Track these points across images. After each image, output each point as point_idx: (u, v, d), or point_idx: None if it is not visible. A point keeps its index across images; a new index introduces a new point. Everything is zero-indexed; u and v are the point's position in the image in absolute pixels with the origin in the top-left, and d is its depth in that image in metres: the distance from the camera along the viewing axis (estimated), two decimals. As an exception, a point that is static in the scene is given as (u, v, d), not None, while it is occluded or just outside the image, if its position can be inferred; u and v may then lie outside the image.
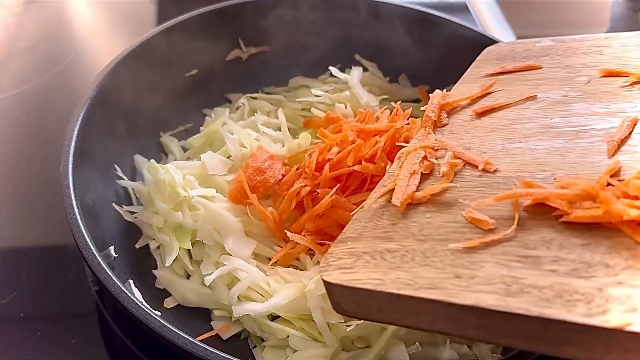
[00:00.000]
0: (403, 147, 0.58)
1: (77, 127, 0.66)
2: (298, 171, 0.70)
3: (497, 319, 0.38)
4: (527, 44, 0.70)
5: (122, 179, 0.72)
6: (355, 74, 0.86)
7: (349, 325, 0.60)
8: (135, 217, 0.70)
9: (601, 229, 0.42)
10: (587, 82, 0.59)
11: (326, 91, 0.86)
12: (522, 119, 0.57)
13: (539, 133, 0.54)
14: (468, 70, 0.70)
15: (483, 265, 0.41)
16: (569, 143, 0.51)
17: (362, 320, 0.60)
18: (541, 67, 0.64)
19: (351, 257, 0.46)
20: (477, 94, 0.62)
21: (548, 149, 0.51)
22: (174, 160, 0.77)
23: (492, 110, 0.60)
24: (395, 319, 0.44)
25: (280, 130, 0.79)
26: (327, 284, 0.45)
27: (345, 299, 0.45)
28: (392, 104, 0.76)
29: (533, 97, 0.59)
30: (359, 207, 0.53)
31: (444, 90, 0.65)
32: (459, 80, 0.68)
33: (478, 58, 0.72)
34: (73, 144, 0.64)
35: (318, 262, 0.65)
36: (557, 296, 0.38)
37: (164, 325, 0.51)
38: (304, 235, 0.65)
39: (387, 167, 0.63)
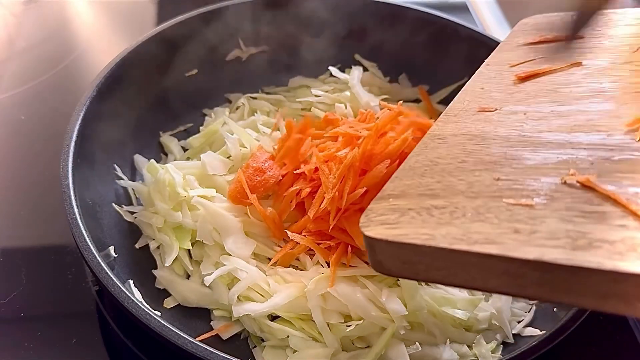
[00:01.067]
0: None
1: (77, 127, 0.66)
2: (297, 172, 0.70)
3: (562, 274, 0.37)
4: (565, 17, 0.69)
5: (122, 179, 0.72)
6: (355, 74, 0.86)
7: (349, 326, 0.60)
8: (135, 217, 0.70)
9: None
10: (635, 50, 0.58)
11: (326, 91, 0.86)
12: (570, 84, 0.56)
13: (590, 96, 0.53)
14: (503, 40, 0.69)
15: (544, 221, 0.40)
16: (623, 107, 0.50)
17: (362, 321, 0.60)
18: (583, 37, 0.62)
19: (394, 213, 0.44)
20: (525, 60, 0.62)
21: (601, 111, 0.50)
22: (174, 160, 0.77)
23: (536, 75, 0.59)
24: (443, 278, 0.42)
25: (279, 131, 0.79)
26: (369, 240, 0.43)
27: (388, 256, 0.43)
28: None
29: (579, 64, 0.58)
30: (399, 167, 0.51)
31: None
32: (495, 49, 0.67)
33: (513, 29, 0.71)
34: (73, 144, 0.64)
35: (318, 262, 0.65)
36: (631, 250, 0.36)
37: (164, 325, 0.51)
38: (304, 236, 0.65)
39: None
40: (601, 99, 0.52)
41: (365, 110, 0.76)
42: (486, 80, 0.61)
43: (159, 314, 0.53)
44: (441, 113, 0.85)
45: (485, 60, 0.64)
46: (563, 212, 0.40)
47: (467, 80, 0.86)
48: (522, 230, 0.39)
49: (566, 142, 0.48)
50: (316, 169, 0.67)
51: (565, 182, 0.43)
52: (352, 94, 0.83)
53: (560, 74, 0.58)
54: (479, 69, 0.64)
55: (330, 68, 0.88)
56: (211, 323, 0.64)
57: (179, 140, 0.81)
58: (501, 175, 0.45)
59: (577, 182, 0.43)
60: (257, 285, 0.63)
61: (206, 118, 0.85)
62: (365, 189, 0.63)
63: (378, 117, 0.74)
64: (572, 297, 0.38)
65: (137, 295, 0.61)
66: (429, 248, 0.41)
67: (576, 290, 0.37)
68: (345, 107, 0.81)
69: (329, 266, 0.63)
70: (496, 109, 0.54)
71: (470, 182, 0.45)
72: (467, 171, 0.47)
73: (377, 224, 0.44)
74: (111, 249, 0.63)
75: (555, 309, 0.63)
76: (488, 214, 0.42)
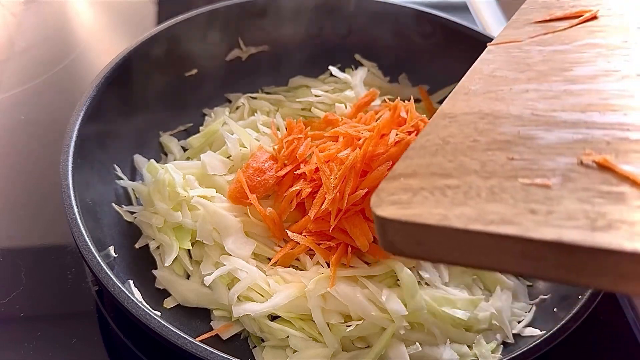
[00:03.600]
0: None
1: (77, 127, 0.66)
2: (298, 172, 0.70)
3: (581, 255, 0.36)
4: None
5: (122, 179, 0.72)
6: (359, 74, 0.87)
7: (349, 326, 0.60)
8: (135, 217, 0.70)
9: None
10: None
11: (326, 91, 0.86)
12: (582, 62, 0.55)
13: (603, 75, 0.52)
14: (513, 17, 0.68)
15: (561, 202, 0.39)
16: (637, 86, 0.50)
17: (362, 321, 0.60)
18: (596, 17, 0.61)
19: (406, 192, 0.43)
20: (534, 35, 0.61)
21: (615, 90, 0.50)
22: (174, 160, 0.77)
23: (551, 21, 0.59)
24: (458, 258, 0.41)
25: (279, 131, 0.79)
26: (381, 220, 0.42)
27: (400, 237, 0.42)
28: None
29: (590, 44, 0.58)
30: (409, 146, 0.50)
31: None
32: (504, 27, 0.66)
33: (522, 6, 0.70)
34: (73, 144, 0.64)
35: (318, 263, 0.65)
36: None
37: (164, 325, 0.51)
38: (305, 236, 0.65)
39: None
40: (615, 78, 0.51)
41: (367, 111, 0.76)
42: (496, 59, 0.60)
43: (158, 314, 0.53)
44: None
45: (494, 39, 0.63)
46: (580, 192, 0.39)
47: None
48: (539, 211, 0.39)
49: (581, 121, 0.47)
50: (316, 169, 0.67)
51: (581, 163, 0.42)
52: (352, 94, 0.83)
53: (571, 52, 0.57)
54: (488, 48, 0.63)
55: (330, 68, 0.88)
56: (211, 323, 0.64)
57: (179, 140, 0.81)
58: (515, 154, 0.44)
59: (594, 162, 0.42)
60: (257, 285, 0.63)
61: (206, 118, 0.85)
62: (366, 190, 0.63)
63: (379, 118, 0.74)
64: (590, 279, 0.37)
65: (137, 295, 0.61)
66: (443, 228, 0.40)
67: (595, 272, 0.36)
68: (345, 107, 0.81)
69: (329, 266, 0.63)
70: (508, 88, 0.53)
71: (483, 162, 0.45)
72: (479, 150, 0.46)
73: (389, 203, 0.43)
74: (111, 249, 0.63)
75: (555, 309, 0.63)
76: (503, 194, 0.41)
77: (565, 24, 0.62)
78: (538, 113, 0.49)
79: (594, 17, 0.62)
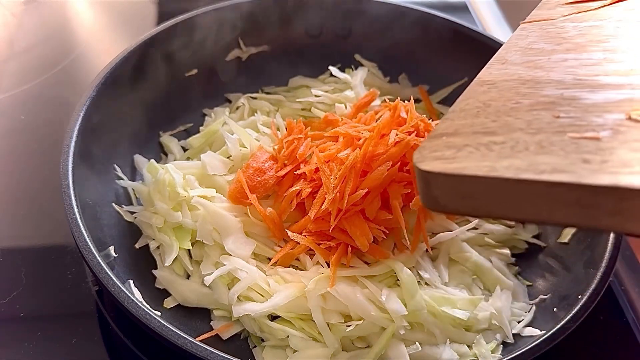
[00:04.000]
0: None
1: (77, 127, 0.66)
2: (298, 172, 0.70)
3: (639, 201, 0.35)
4: None
5: (122, 179, 0.72)
6: (359, 75, 0.87)
7: (349, 326, 0.60)
8: (135, 217, 0.70)
9: None
10: None
11: (326, 91, 0.86)
12: (619, 35, 0.56)
13: None
14: (542, 2, 0.68)
15: (614, 152, 0.39)
16: None
17: (362, 321, 0.60)
18: None
19: (450, 149, 0.43)
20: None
21: None
22: (174, 160, 0.77)
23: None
24: (506, 212, 0.40)
25: (279, 131, 0.79)
26: (424, 175, 0.41)
27: (446, 191, 0.41)
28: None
29: (626, 18, 0.58)
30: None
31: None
32: (536, 8, 0.66)
33: None
34: (73, 144, 0.64)
35: (318, 262, 0.65)
36: None
37: (164, 325, 0.51)
38: (305, 236, 0.65)
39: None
40: None
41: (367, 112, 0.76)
42: (530, 34, 0.60)
43: (159, 313, 0.53)
44: (441, 113, 0.87)
45: (527, 18, 0.63)
46: (632, 143, 0.39)
47: (467, 81, 0.87)
48: (592, 160, 0.38)
49: (625, 83, 0.47)
50: (317, 169, 0.67)
51: (630, 117, 0.42)
52: (355, 95, 0.83)
53: (608, 27, 0.57)
54: (521, 25, 0.63)
55: (330, 68, 0.88)
56: (211, 323, 0.64)
57: (179, 140, 0.81)
58: (561, 113, 0.44)
59: None
60: (257, 285, 0.63)
61: (206, 118, 0.85)
62: (366, 190, 0.63)
63: (379, 118, 0.74)
64: None
65: (137, 295, 0.61)
66: (493, 179, 0.39)
67: None
68: (345, 107, 0.81)
69: (329, 266, 0.63)
70: (546, 58, 0.53)
71: (528, 121, 0.44)
72: (523, 111, 0.46)
73: (433, 159, 0.42)
74: (111, 249, 0.63)
75: (555, 309, 0.63)
76: (552, 147, 0.40)
77: (598, 4, 0.62)
78: (580, 77, 0.49)
79: None
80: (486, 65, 0.56)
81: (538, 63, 0.53)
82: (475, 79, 0.54)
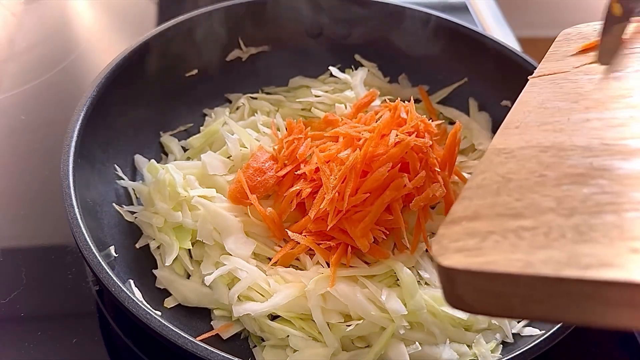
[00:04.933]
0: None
1: (77, 127, 0.66)
2: (298, 173, 0.70)
3: None
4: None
5: (123, 179, 0.72)
6: (359, 75, 0.87)
7: (349, 325, 0.60)
8: (136, 217, 0.70)
9: None
10: None
11: (326, 91, 0.86)
12: None
13: None
14: (550, 51, 0.64)
15: None
16: None
17: (362, 320, 0.60)
18: None
19: (473, 237, 0.38)
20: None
21: None
22: (174, 160, 0.77)
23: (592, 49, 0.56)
24: (547, 313, 0.35)
25: (279, 131, 0.79)
26: (446, 271, 0.36)
27: (472, 290, 0.36)
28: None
29: None
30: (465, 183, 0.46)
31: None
32: (542, 61, 0.63)
33: (557, 39, 0.66)
34: (73, 144, 0.64)
35: (318, 262, 0.65)
36: None
37: (165, 325, 0.51)
38: (305, 236, 0.65)
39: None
40: None
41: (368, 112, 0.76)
42: (542, 90, 0.55)
43: (159, 313, 0.53)
44: (441, 113, 0.87)
45: (534, 71, 0.59)
46: None
47: (467, 81, 0.87)
48: None
49: None
50: (317, 170, 0.67)
51: None
52: (355, 95, 0.83)
53: (628, 79, 0.53)
54: (530, 80, 0.59)
55: (330, 68, 0.88)
56: (211, 323, 0.64)
57: (179, 140, 0.81)
58: (594, 188, 0.39)
59: None
60: (257, 285, 0.63)
61: (206, 118, 0.85)
62: (368, 194, 0.63)
63: (379, 118, 0.74)
64: None
65: (138, 295, 0.61)
66: (528, 277, 0.34)
67: None
68: (345, 107, 0.81)
69: (329, 266, 0.63)
70: (565, 119, 0.49)
71: (558, 198, 0.39)
72: (550, 186, 0.41)
73: (455, 251, 0.37)
74: (111, 249, 0.63)
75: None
76: (593, 233, 0.35)
77: None
78: (608, 142, 0.44)
79: None
80: (499, 130, 0.51)
81: (557, 125, 0.49)
82: (489, 147, 0.49)
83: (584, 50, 0.61)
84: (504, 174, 0.44)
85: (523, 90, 0.57)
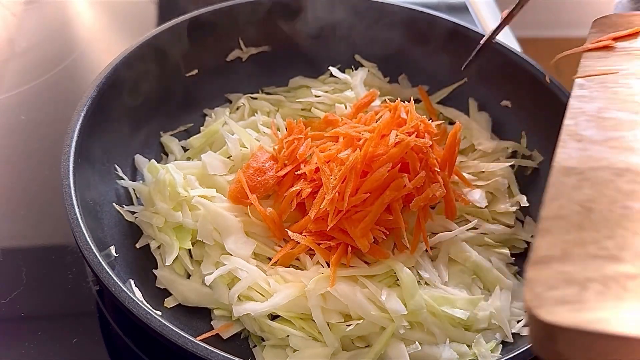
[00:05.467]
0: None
1: (77, 127, 0.66)
2: (298, 173, 0.70)
3: None
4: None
5: (123, 179, 0.72)
6: (359, 75, 0.87)
7: (349, 325, 0.60)
8: (136, 217, 0.70)
9: None
10: None
11: (326, 91, 0.86)
12: None
13: None
14: (585, 46, 0.61)
15: None
16: None
17: (362, 320, 0.60)
18: None
19: (570, 285, 0.34)
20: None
21: None
22: (175, 160, 0.77)
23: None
24: None
25: (279, 131, 0.79)
26: (548, 327, 0.32)
27: (577, 349, 0.32)
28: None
29: None
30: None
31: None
32: (582, 57, 0.59)
33: (590, 31, 0.63)
34: (73, 144, 0.64)
35: (318, 262, 0.65)
36: None
37: (165, 324, 0.51)
38: (305, 235, 0.65)
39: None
40: None
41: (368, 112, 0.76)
42: (594, 95, 0.51)
43: (159, 313, 0.53)
44: (441, 113, 0.87)
45: (579, 70, 0.56)
46: None
47: (466, 81, 0.87)
48: None
49: None
50: (317, 170, 0.67)
51: None
52: (355, 95, 0.83)
53: None
54: (577, 81, 0.55)
55: (330, 68, 0.88)
56: (211, 322, 0.65)
57: (179, 140, 0.81)
58: None
59: None
60: (258, 285, 0.63)
61: (206, 118, 0.85)
62: (368, 194, 0.63)
63: (379, 118, 0.74)
64: None
65: (138, 294, 0.61)
66: None
67: None
68: (345, 108, 0.81)
69: (329, 266, 0.63)
70: (631, 134, 0.45)
71: None
72: (638, 221, 0.37)
73: (555, 303, 0.33)
74: (112, 249, 0.63)
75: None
76: None
77: None
78: None
79: None
80: (560, 143, 0.47)
81: (623, 142, 0.45)
82: (554, 164, 0.45)
83: (618, 37, 0.58)
84: (583, 203, 0.40)
85: (572, 94, 0.53)
